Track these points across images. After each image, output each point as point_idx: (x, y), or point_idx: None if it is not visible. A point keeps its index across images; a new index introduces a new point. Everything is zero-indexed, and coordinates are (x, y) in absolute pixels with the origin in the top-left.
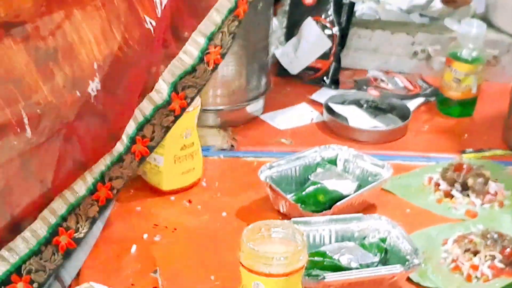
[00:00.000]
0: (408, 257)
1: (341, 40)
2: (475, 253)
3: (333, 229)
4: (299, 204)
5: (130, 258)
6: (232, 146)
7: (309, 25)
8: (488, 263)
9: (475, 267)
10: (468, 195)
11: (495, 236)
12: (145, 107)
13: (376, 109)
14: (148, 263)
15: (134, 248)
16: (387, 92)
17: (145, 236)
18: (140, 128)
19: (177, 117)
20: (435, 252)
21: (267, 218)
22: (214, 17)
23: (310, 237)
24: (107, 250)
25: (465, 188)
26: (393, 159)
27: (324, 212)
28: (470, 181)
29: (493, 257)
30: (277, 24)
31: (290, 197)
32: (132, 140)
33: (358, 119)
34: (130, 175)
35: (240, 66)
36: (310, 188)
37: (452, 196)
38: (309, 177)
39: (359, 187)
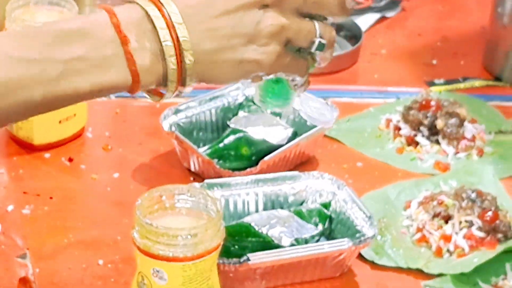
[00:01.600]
0: (359, 227)
1: None
2: (447, 218)
3: (260, 193)
4: (215, 160)
5: None
6: None
7: None
8: (463, 232)
9: (446, 238)
10: (437, 142)
11: (473, 195)
12: None
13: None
14: (13, 244)
15: None
16: None
17: (10, 208)
18: None
19: None
20: (394, 219)
21: (174, 180)
22: None
23: (230, 204)
24: None
25: (433, 132)
26: (339, 96)
27: (248, 169)
28: (440, 123)
29: (470, 224)
30: None
31: (203, 150)
32: None
33: None
34: None
35: None
36: (230, 138)
37: (417, 144)
38: (229, 123)
39: (295, 135)
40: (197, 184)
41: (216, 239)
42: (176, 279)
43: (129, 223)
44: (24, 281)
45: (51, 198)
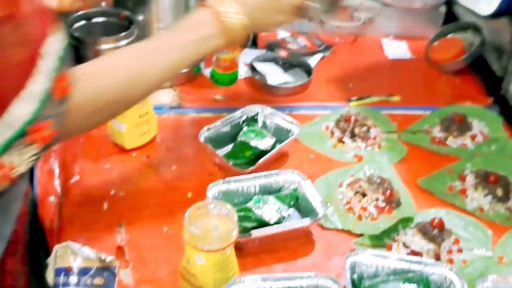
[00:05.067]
0: (315, 206)
1: None
2: (364, 195)
3: (257, 183)
4: (230, 160)
5: (102, 213)
6: (179, 104)
7: None
8: (374, 204)
9: (364, 209)
10: (355, 141)
11: (378, 180)
12: None
13: (288, 65)
14: (115, 217)
15: (106, 205)
16: (293, 51)
17: (112, 192)
18: None
19: None
20: (333, 194)
21: (208, 169)
22: None
23: (240, 190)
24: (84, 207)
25: (353, 135)
26: (299, 110)
27: (249, 169)
28: (356, 130)
29: (378, 199)
30: None
31: (223, 152)
32: None
33: (274, 74)
34: None
35: None
36: (237, 147)
37: (344, 142)
38: (238, 137)
39: (276, 142)
40: (221, 181)
41: (233, 237)
42: (210, 261)
43: (182, 200)
44: (119, 248)
45: (136, 184)
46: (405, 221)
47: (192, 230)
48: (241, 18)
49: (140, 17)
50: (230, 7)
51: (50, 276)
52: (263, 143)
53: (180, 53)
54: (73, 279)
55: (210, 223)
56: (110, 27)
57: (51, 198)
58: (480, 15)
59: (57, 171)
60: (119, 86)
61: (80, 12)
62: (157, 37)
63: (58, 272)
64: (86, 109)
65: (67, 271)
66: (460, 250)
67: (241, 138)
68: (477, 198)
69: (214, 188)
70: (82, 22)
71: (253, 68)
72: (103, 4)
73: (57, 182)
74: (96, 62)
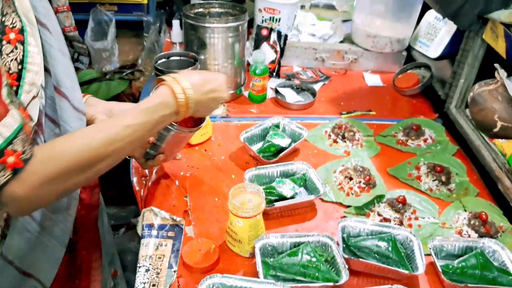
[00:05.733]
0: (317, 186)
1: (281, 53)
2: (350, 178)
3: (279, 170)
4: (261, 154)
5: (174, 188)
6: (227, 115)
7: (265, 46)
8: (357, 185)
9: (351, 188)
10: (345, 141)
11: (361, 169)
12: None
13: (300, 89)
14: (183, 191)
15: (177, 182)
16: (303, 80)
17: (181, 173)
18: None
19: None
20: (330, 178)
21: (246, 160)
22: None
23: (267, 174)
24: (163, 184)
25: (343, 138)
26: (307, 120)
27: (273, 160)
28: (346, 134)
29: (360, 181)
30: (249, 44)
31: (256, 148)
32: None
33: (291, 96)
34: None
35: (231, 68)
36: (266, 144)
37: (337, 142)
38: (266, 138)
39: (291, 141)
40: (254, 168)
41: (262, 208)
42: (246, 223)
43: (228, 180)
44: (185, 211)
45: (198, 168)
46: (379, 197)
47: (234, 202)
48: (191, 99)
49: (202, 57)
50: (186, 88)
51: (139, 229)
52: (283, 142)
53: (141, 131)
54: (154, 232)
55: (246, 197)
56: (182, 63)
57: (142, 178)
58: (430, 58)
59: None
60: (75, 153)
61: (163, 53)
62: (126, 116)
63: (144, 227)
64: (45, 172)
65: (151, 226)
66: (416, 218)
67: (268, 138)
68: (428, 182)
69: (250, 173)
70: (163, 60)
71: (276, 91)
72: (178, 47)
73: None
74: (60, 139)
